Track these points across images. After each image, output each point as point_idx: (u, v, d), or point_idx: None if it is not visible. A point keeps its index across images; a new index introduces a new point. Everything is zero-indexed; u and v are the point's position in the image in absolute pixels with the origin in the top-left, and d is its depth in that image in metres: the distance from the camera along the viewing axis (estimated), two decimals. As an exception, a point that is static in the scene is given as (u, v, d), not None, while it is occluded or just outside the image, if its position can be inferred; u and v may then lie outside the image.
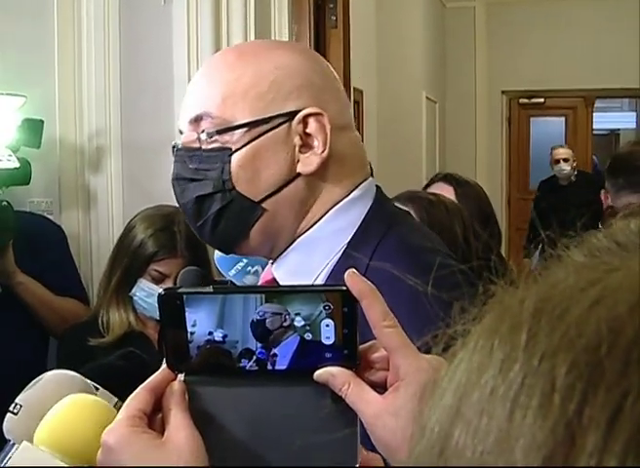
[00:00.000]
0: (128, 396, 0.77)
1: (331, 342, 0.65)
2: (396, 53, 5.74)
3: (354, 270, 0.66)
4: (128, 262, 2.08)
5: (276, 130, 1.01)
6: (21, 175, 2.08)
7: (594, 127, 8.52)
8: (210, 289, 0.68)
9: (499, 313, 0.34)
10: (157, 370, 0.99)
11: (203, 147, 1.02)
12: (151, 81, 2.45)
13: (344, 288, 0.65)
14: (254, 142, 1.01)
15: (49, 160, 2.46)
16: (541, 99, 7.67)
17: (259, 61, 1.03)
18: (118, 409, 0.73)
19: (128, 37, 2.46)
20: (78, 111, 2.52)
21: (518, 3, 7.47)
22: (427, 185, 2.46)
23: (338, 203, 1.05)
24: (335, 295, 0.65)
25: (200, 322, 0.66)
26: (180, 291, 0.67)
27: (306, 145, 1.02)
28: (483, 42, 7.59)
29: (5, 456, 0.80)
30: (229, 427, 0.67)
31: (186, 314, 0.66)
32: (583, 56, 7.17)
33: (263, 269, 1.28)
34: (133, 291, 2.07)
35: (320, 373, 0.65)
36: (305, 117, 1.02)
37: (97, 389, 1.12)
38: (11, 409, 0.84)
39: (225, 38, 2.36)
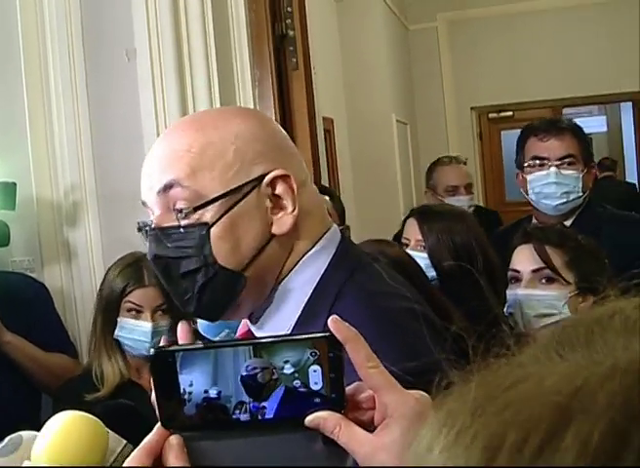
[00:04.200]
0: (137, 434, 0.80)
1: (319, 387, 0.68)
2: (363, 78, 5.82)
3: (337, 316, 0.69)
4: (105, 305, 2.13)
5: (248, 197, 1.03)
6: (-1, 238, 2.12)
7: (566, 134, 8.58)
8: (200, 344, 0.70)
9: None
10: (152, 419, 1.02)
11: (180, 224, 1.03)
12: (121, 135, 2.51)
13: (328, 334, 0.68)
14: (229, 213, 1.02)
15: (27, 219, 2.51)
16: (510, 112, 7.76)
17: (219, 133, 1.05)
18: (128, 453, 0.76)
19: (96, 94, 2.52)
20: (52, 169, 2.58)
21: (479, 19, 7.57)
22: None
23: (306, 254, 1.08)
24: (320, 342, 0.68)
25: (196, 381, 0.68)
26: (171, 348, 0.69)
27: (277, 207, 1.05)
28: (448, 61, 7.68)
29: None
30: None
31: (183, 374, 0.68)
32: (548, 66, 7.27)
33: None
34: (116, 332, 2.11)
35: (311, 419, 0.68)
36: (273, 180, 1.04)
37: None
38: None
39: (190, 88, 2.42)
